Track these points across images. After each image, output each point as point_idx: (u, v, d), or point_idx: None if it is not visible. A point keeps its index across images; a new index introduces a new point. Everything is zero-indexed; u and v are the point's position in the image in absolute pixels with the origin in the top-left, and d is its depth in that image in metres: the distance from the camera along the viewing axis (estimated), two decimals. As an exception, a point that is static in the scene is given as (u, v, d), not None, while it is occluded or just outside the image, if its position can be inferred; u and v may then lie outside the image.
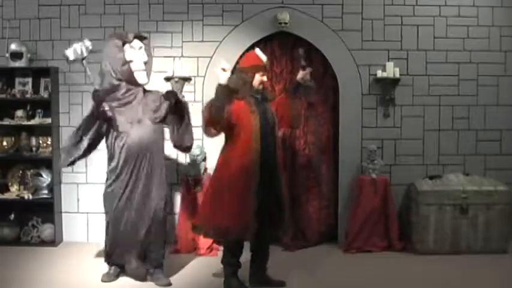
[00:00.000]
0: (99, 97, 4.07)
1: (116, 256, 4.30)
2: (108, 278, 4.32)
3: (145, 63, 4.31)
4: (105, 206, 4.30)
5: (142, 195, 4.19)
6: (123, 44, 4.28)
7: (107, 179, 4.29)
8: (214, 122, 3.98)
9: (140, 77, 4.27)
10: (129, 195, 4.18)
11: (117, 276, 4.36)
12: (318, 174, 5.47)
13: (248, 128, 4.04)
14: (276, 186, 4.11)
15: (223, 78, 3.98)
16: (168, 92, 4.42)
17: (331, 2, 5.39)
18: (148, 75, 4.36)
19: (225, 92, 3.96)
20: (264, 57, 4.20)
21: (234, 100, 4.05)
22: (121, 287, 4.27)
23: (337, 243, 5.36)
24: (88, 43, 4.17)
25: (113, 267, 4.38)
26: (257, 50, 4.25)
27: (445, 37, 5.44)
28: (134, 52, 4.27)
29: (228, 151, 4.13)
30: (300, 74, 4.23)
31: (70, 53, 4.12)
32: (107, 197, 4.26)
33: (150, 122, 4.23)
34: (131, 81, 4.24)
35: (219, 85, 3.98)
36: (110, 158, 4.26)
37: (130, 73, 4.23)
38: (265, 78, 4.17)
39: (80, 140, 4.23)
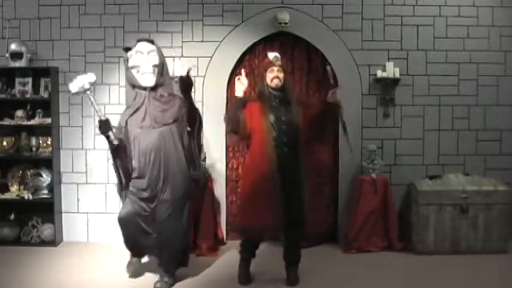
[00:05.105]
0: (101, 129, 4.08)
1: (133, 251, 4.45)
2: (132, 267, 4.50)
3: (155, 66, 4.27)
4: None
5: (160, 200, 4.20)
6: (128, 50, 4.31)
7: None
8: (232, 131, 4.21)
9: (144, 80, 4.24)
10: (149, 200, 4.20)
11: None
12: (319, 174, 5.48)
13: (260, 134, 4.13)
14: (297, 191, 4.11)
15: (240, 90, 4.14)
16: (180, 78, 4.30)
17: (331, 2, 5.39)
18: (159, 76, 4.29)
19: (239, 105, 4.13)
20: (272, 55, 4.26)
21: (249, 103, 4.20)
22: (121, 286, 4.28)
23: (337, 243, 5.36)
24: (92, 77, 4.16)
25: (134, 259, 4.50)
26: (269, 53, 4.36)
27: (445, 37, 5.44)
28: (141, 56, 4.27)
29: (247, 157, 4.37)
30: (330, 94, 4.09)
31: (73, 86, 4.12)
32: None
33: (158, 125, 4.19)
34: (138, 85, 4.27)
35: (235, 97, 4.18)
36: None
37: (133, 78, 4.26)
38: (278, 74, 4.17)
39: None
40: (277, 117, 4.13)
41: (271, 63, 4.21)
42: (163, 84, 4.34)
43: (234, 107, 4.15)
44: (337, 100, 4.08)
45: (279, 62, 4.23)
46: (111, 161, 4.32)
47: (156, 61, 4.29)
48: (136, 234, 4.24)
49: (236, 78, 4.25)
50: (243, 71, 4.31)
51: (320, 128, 4.23)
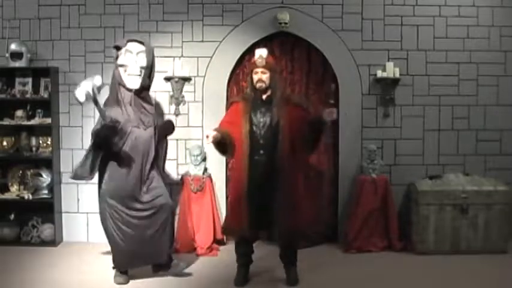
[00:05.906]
0: (99, 138, 4.07)
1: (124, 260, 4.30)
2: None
3: (142, 68, 4.28)
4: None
5: (143, 195, 4.23)
6: (119, 49, 4.31)
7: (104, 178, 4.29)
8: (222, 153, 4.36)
9: (131, 81, 4.26)
10: (132, 195, 4.21)
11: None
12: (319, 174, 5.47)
13: (239, 136, 4.14)
14: (277, 192, 4.07)
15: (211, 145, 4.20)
16: (166, 123, 4.45)
17: (331, 2, 5.39)
18: (145, 79, 4.32)
19: (219, 148, 4.23)
20: (257, 54, 4.20)
21: (235, 104, 4.29)
22: (122, 286, 4.28)
23: (337, 243, 5.35)
24: (98, 80, 3.95)
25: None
26: (256, 50, 4.29)
27: (445, 37, 5.44)
28: (130, 56, 4.27)
29: (233, 159, 4.51)
30: (327, 112, 4.01)
31: (80, 95, 3.84)
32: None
33: (144, 126, 4.25)
34: (123, 85, 4.27)
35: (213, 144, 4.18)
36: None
37: (120, 77, 4.27)
38: (261, 76, 4.12)
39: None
40: (258, 119, 4.13)
41: (254, 65, 4.18)
42: (149, 87, 4.40)
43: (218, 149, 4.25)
44: (332, 119, 4.05)
45: (263, 63, 4.14)
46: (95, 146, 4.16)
47: (144, 63, 4.29)
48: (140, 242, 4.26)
49: (205, 135, 4.11)
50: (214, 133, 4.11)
51: (308, 137, 4.13)
